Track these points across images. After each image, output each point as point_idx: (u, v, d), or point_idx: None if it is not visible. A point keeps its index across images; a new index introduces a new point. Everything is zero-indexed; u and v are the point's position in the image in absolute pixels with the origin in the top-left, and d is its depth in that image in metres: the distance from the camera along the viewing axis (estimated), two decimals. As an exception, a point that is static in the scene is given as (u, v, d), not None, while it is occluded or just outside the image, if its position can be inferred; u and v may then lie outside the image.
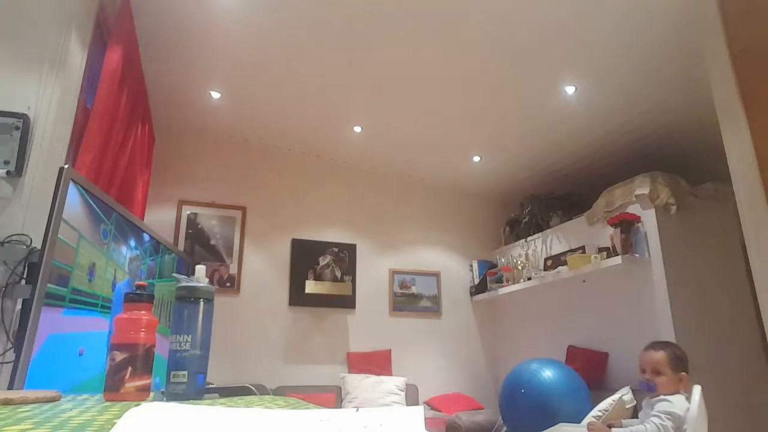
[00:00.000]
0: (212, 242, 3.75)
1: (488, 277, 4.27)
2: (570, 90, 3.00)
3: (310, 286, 3.91)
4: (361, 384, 3.61)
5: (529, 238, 4.10)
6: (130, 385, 0.79)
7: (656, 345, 2.01)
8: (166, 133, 3.70)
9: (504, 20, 2.47)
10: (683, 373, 1.92)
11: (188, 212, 3.75)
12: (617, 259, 2.96)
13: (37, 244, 1.38)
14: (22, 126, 1.62)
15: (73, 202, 1.32)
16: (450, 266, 4.47)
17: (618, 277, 3.13)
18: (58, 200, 1.24)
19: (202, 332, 0.87)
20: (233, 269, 3.76)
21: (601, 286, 3.29)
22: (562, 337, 3.58)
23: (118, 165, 2.34)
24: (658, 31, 2.47)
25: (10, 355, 1.26)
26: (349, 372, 3.81)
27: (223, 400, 0.83)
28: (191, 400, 0.80)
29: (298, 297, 3.87)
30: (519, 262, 4.03)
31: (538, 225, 4.04)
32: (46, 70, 1.76)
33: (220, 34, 2.65)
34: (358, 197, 4.31)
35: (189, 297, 0.87)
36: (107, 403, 0.70)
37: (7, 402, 0.64)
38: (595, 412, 2.50)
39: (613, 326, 3.16)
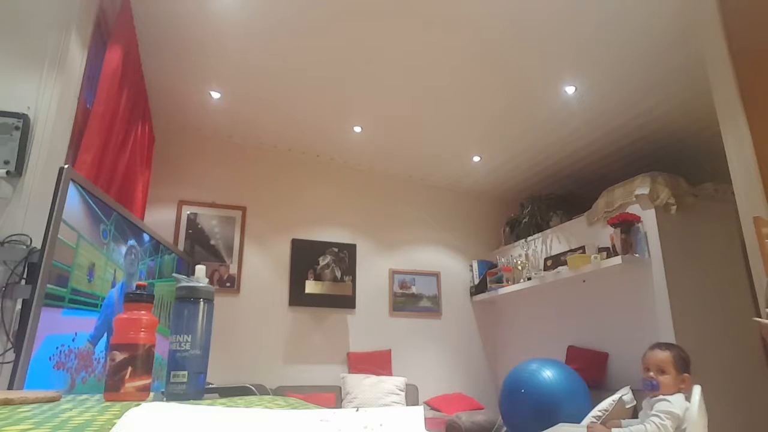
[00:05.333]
0: (212, 242, 3.75)
1: (488, 277, 4.27)
2: (570, 90, 3.00)
3: (310, 286, 3.91)
4: (361, 384, 3.61)
5: (529, 238, 4.10)
6: (130, 385, 0.79)
7: (662, 345, 2.02)
8: (166, 133, 3.70)
9: (503, 21, 2.48)
10: (686, 374, 1.93)
11: (188, 212, 3.75)
12: (617, 259, 2.96)
13: (37, 244, 1.38)
14: (22, 126, 1.62)
15: (73, 202, 1.32)
16: (450, 266, 4.47)
17: (618, 277, 3.13)
18: (58, 200, 1.24)
19: (202, 332, 0.87)
20: (233, 269, 3.76)
21: (601, 286, 3.29)
22: (562, 337, 3.59)
23: (118, 165, 2.34)
24: (658, 31, 2.47)
25: (10, 355, 1.26)
26: (349, 372, 3.81)
27: (223, 400, 0.83)
28: (191, 400, 0.80)
29: (298, 297, 3.87)
30: (519, 262, 4.03)
31: (538, 225, 4.04)
32: (46, 70, 1.76)
33: (220, 34, 2.65)
34: (358, 197, 4.31)
35: (189, 297, 0.87)
36: (107, 403, 0.70)
37: (7, 402, 0.64)
38: (595, 412, 2.50)
39: (613, 326, 3.16)
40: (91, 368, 1.44)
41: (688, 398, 1.88)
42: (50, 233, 1.21)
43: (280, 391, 3.43)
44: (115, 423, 0.47)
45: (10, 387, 1.10)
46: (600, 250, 3.28)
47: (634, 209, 3.05)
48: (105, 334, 1.51)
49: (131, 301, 0.84)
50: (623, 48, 2.60)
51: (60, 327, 1.28)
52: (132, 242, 1.81)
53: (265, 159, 4.08)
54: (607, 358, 3.16)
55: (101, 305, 1.50)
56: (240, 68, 2.99)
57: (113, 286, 1.59)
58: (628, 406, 2.50)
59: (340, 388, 3.67)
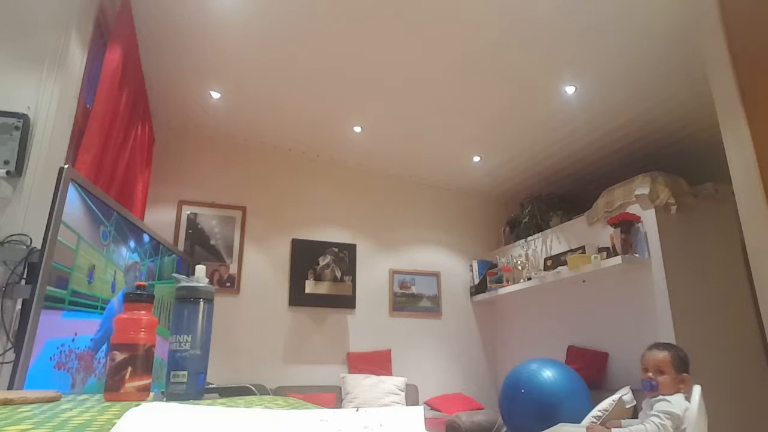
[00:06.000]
0: (212, 242, 3.75)
1: (488, 277, 4.27)
2: (570, 90, 3.00)
3: (310, 286, 3.91)
4: (361, 384, 3.61)
5: (529, 238, 4.10)
6: (130, 385, 0.79)
7: (660, 345, 2.02)
8: (166, 133, 3.70)
9: (503, 21, 2.48)
10: (685, 374, 1.93)
11: (188, 212, 3.75)
12: (617, 259, 2.96)
13: (37, 244, 1.38)
14: (22, 126, 1.62)
15: (73, 203, 1.32)
16: (450, 266, 4.47)
17: (618, 277, 3.13)
18: (58, 200, 1.24)
19: (202, 332, 0.87)
20: (233, 269, 3.76)
21: (601, 286, 3.29)
22: (562, 337, 3.58)
23: (118, 165, 2.34)
24: (658, 32, 2.47)
25: (11, 356, 1.26)
26: (349, 372, 3.81)
27: (223, 400, 0.83)
28: (191, 400, 0.80)
29: (298, 297, 3.87)
30: (519, 262, 4.03)
31: (538, 225, 4.04)
32: (46, 70, 1.76)
33: (220, 34, 2.65)
34: (358, 197, 4.31)
35: (189, 297, 0.87)
36: (107, 403, 0.70)
37: (7, 402, 0.64)
38: (595, 412, 2.50)
39: (613, 326, 3.16)
40: (91, 368, 1.44)
41: (688, 398, 1.88)
42: (50, 233, 1.21)
43: (280, 391, 3.43)
44: (115, 423, 0.47)
45: (10, 387, 1.10)
46: (600, 250, 3.28)
47: (634, 209, 3.05)
48: (105, 345, 1.51)
49: (131, 301, 0.84)
50: (623, 48, 2.60)
51: (60, 330, 1.28)
52: (134, 258, 1.80)
53: (265, 159, 4.08)
54: (607, 358, 3.16)
55: (100, 307, 1.50)
56: (240, 68, 2.99)
57: (113, 289, 1.59)
58: (628, 406, 2.50)
59: (340, 388, 3.67)
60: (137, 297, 0.85)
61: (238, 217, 3.87)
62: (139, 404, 0.53)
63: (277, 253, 3.93)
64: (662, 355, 1.96)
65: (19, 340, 1.13)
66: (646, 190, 2.95)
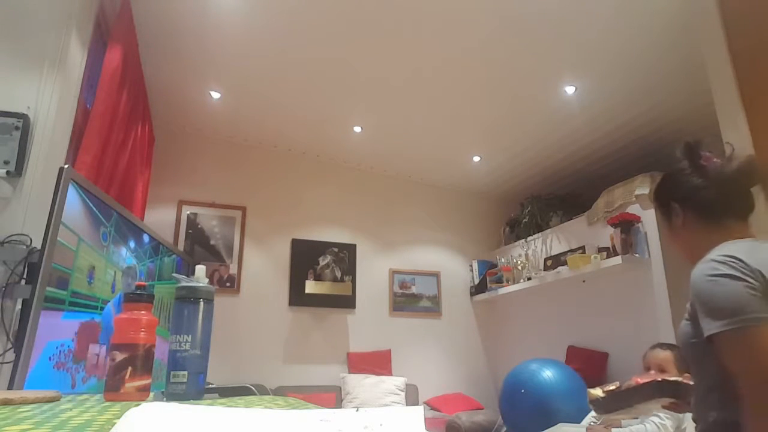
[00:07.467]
0: (212, 242, 3.75)
1: (488, 277, 4.27)
2: (570, 90, 3.00)
3: (310, 286, 3.91)
4: (361, 384, 3.61)
5: (529, 238, 4.10)
6: (130, 385, 0.79)
7: (663, 345, 2.03)
8: (166, 133, 3.70)
9: (504, 21, 2.48)
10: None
11: (188, 212, 3.75)
12: (617, 259, 2.96)
13: (37, 244, 1.38)
14: (22, 126, 1.62)
15: (73, 203, 1.32)
16: (450, 266, 4.47)
17: (618, 277, 3.13)
18: (58, 200, 1.24)
19: (202, 332, 0.87)
20: (233, 269, 3.76)
21: (601, 286, 3.29)
22: (562, 337, 3.58)
23: (118, 165, 2.34)
24: (658, 32, 2.47)
25: (11, 356, 1.26)
26: (349, 372, 3.81)
27: (223, 400, 0.83)
28: (191, 400, 0.80)
29: (298, 297, 3.87)
30: (519, 262, 4.03)
31: (538, 225, 4.04)
32: (46, 70, 1.76)
33: (220, 34, 2.65)
34: (358, 197, 4.31)
35: (189, 297, 0.87)
36: (107, 403, 0.70)
37: (7, 402, 0.64)
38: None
39: (613, 326, 3.16)
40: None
41: (688, 398, 1.88)
42: (50, 233, 1.21)
43: (280, 391, 3.43)
44: (115, 423, 0.47)
45: (10, 387, 1.10)
46: (600, 250, 3.28)
47: (634, 209, 3.05)
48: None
49: (131, 301, 0.84)
50: (623, 48, 2.60)
51: (61, 332, 1.28)
52: (130, 262, 1.79)
53: (265, 159, 4.08)
54: (607, 358, 3.16)
55: (100, 308, 1.50)
56: (240, 68, 2.99)
57: (113, 290, 1.59)
58: (628, 406, 2.49)
59: (340, 388, 3.67)
60: (137, 297, 0.84)
61: (238, 217, 3.87)
62: (139, 404, 0.53)
63: (277, 253, 3.93)
64: (665, 354, 1.96)
65: (19, 341, 1.13)
66: (646, 190, 2.95)
